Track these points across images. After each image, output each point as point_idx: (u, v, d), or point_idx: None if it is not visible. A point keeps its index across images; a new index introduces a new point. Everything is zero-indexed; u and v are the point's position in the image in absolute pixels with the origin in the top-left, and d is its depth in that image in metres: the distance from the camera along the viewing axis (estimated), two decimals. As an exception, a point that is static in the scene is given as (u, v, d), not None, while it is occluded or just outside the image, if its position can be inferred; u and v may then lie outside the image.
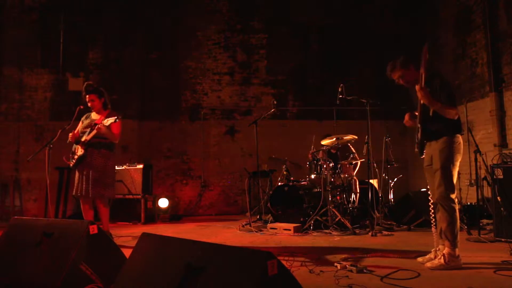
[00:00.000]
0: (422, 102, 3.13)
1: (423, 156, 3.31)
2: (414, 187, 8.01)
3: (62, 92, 7.92)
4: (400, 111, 8.24)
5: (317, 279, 2.83)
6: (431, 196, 3.28)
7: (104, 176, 4.24)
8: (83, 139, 4.23)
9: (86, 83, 4.51)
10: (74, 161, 4.27)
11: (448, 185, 3.10)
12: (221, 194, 8.08)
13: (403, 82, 3.40)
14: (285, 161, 6.39)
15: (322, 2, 8.55)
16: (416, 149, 3.30)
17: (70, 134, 4.35)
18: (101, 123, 4.13)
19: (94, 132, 4.14)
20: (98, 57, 8.10)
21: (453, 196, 3.11)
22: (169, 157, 8.07)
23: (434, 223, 3.29)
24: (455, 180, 3.14)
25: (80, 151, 4.23)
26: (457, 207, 3.13)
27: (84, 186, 4.18)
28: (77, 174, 4.29)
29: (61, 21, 7.93)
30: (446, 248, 3.06)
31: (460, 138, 3.17)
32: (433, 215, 3.29)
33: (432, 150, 3.23)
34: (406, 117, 3.42)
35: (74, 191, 4.28)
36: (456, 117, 3.10)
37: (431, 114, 3.12)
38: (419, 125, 3.23)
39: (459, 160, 3.16)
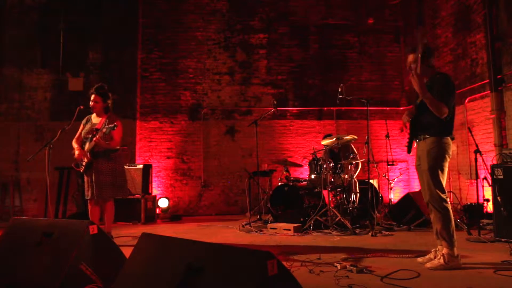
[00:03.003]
0: (417, 99, 3.13)
1: (411, 153, 3.32)
2: (414, 187, 8.02)
3: (62, 92, 7.92)
4: (399, 111, 8.26)
5: (317, 279, 2.83)
6: (423, 195, 3.28)
7: (114, 178, 4.29)
8: (86, 147, 4.25)
9: (100, 84, 4.49)
10: (83, 167, 4.31)
11: (437, 186, 3.09)
12: (221, 194, 8.08)
13: (413, 68, 3.21)
14: (285, 161, 6.39)
15: (322, 2, 8.56)
16: (406, 144, 3.34)
17: (77, 152, 4.33)
18: (100, 130, 4.13)
19: (93, 143, 4.17)
20: (98, 57, 8.09)
21: (444, 196, 3.10)
22: (169, 157, 8.07)
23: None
24: (444, 180, 3.13)
25: (86, 158, 4.26)
26: (449, 206, 3.12)
27: (96, 191, 4.21)
28: (86, 178, 4.33)
29: (61, 21, 7.93)
30: (444, 249, 3.06)
31: (449, 140, 3.14)
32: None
33: (420, 151, 3.23)
34: (405, 115, 3.43)
35: (86, 195, 4.32)
36: (443, 116, 3.04)
37: (423, 111, 3.11)
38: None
39: (448, 161, 3.14)
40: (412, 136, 3.28)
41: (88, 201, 4.35)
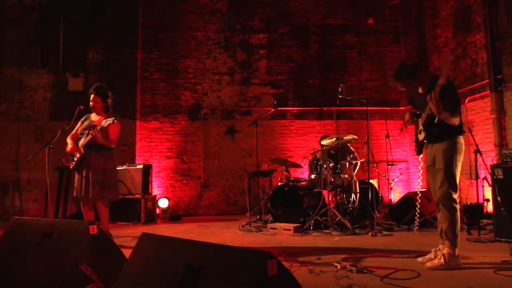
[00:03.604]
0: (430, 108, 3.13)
1: (421, 155, 3.33)
2: (414, 187, 8.01)
3: (62, 92, 7.92)
4: (399, 111, 8.26)
5: (317, 279, 2.83)
6: (433, 196, 3.29)
7: (104, 177, 4.23)
8: (81, 142, 4.23)
9: (99, 83, 4.47)
10: (74, 163, 4.27)
11: (451, 184, 3.11)
12: (221, 194, 8.08)
13: (406, 89, 3.39)
14: (285, 161, 6.39)
15: (322, 2, 8.56)
16: (415, 148, 3.36)
17: (70, 147, 4.31)
18: (98, 125, 4.11)
19: (89, 137, 4.14)
20: (98, 57, 8.10)
21: (455, 196, 3.12)
22: (169, 157, 8.07)
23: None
24: (457, 179, 3.16)
25: (79, 152, 4.23)
26: (458, 207, 3.13)
27: (84, 187, 4.17)
28: (76, 175, 4.28)
29: (61, 21, 7.92)
30: (446, 248, 3.06)
31: (461, 139, 3.19)
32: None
33: (435, 151, 3.24)
34: (407, 116, 3.42)
35: (74, 193, 4.28)
36: (457, 123, 3.12)
37: (436, 121, 3.12)
38: (421, 127, 3.26)
39: (461, 160, 3.18)
40: (425, 140, 3.30)
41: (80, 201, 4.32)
